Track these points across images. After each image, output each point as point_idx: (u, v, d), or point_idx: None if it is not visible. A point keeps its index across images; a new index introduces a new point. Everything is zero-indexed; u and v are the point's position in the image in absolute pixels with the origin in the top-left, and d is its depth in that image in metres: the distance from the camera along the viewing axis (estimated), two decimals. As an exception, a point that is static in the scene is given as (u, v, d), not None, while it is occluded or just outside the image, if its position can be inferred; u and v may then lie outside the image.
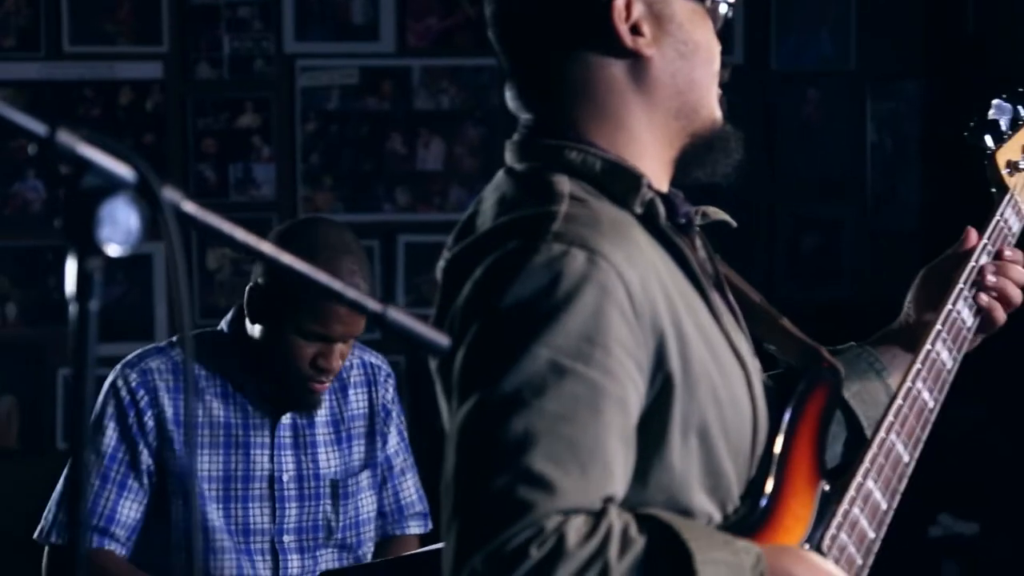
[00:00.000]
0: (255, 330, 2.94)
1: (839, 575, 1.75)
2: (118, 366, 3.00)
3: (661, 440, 1.69)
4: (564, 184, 1.74)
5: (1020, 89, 2.27)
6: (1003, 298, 2.07)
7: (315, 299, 2.83)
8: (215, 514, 2.94)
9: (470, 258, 1.71)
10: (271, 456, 2.98)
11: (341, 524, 3.04)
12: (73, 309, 1.16)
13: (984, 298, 2.06)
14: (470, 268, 1.70)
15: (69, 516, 1.18)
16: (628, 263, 1.67)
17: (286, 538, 2.99)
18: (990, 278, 2.06)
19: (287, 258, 1.26)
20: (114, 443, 2.94)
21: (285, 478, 2.99)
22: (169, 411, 2.94)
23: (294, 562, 2.99)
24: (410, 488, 3.17)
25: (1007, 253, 2.10)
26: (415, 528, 3.18)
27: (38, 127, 1.18)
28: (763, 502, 1.78)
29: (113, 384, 2.97)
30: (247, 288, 2.96)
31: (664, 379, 1.68)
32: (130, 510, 2.93)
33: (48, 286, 4.83)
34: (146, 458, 2.93)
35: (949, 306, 2.04)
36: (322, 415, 3.04)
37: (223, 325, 3.03)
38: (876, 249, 5.25)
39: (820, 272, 5.27)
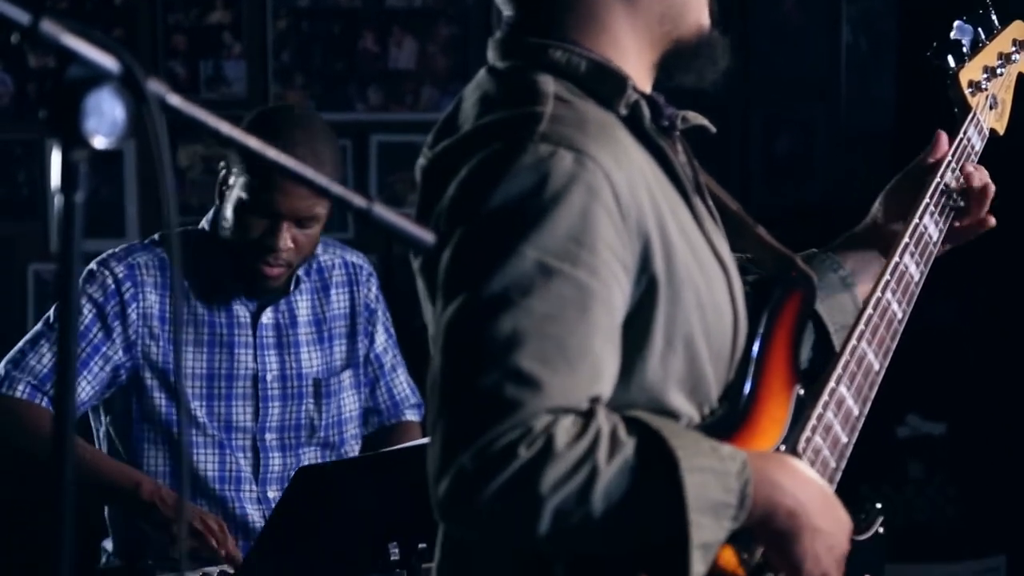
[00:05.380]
0: (225, 212, 2.92)
1: (819, 481, 1.77)
2: (99, 258, 2.96)
3: (644, 342, 1.69)
4: (549, 84, 1.72)
5: (980, 11, 2.30)
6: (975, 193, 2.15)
7: (263, 171, 2.81)
8: (199, 411, 2.95)
9: (453, 158, 1.70)
10: (255, 355, 2.99)
11: (323, 423, 3.05)
12: (59, 201, 1.15)
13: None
14: (454, 168, 1.69)
15: (56, 407, 1.17)
16: (615, 164, 1.66)
17: (268, 436, 3.00)
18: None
19: (273, 153, 1.25)
20: (87, 323, 2.89)
21: (269, 377, 3.00)
22: (156, 307, 2.93)
23: (275, 460, 3.01)
24: (402, 383, 3.19)
25: (969, 168, 2.16)
26: (412, 417, 3.20)
27: (20, 15, 1.16)
28: (741, 404, 1.80)
29: (93, 273, 2.93)
30: (220, 169, 2.96)
31: (649, 281, 1.69)
32: (81, 389, 2.88)
33: (18, 181, 4.78)
34: (117, 348, 2.91)
35: (916, 220, 2.10)
36: (304, 315, 3.04)
37: (204, 224, 3.02)
38: (850, 151, 5.25)
39: (793, 174, 5.27)
